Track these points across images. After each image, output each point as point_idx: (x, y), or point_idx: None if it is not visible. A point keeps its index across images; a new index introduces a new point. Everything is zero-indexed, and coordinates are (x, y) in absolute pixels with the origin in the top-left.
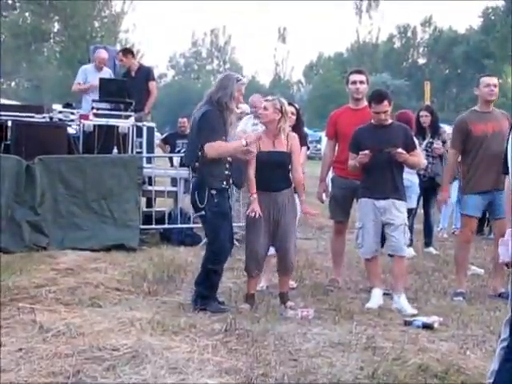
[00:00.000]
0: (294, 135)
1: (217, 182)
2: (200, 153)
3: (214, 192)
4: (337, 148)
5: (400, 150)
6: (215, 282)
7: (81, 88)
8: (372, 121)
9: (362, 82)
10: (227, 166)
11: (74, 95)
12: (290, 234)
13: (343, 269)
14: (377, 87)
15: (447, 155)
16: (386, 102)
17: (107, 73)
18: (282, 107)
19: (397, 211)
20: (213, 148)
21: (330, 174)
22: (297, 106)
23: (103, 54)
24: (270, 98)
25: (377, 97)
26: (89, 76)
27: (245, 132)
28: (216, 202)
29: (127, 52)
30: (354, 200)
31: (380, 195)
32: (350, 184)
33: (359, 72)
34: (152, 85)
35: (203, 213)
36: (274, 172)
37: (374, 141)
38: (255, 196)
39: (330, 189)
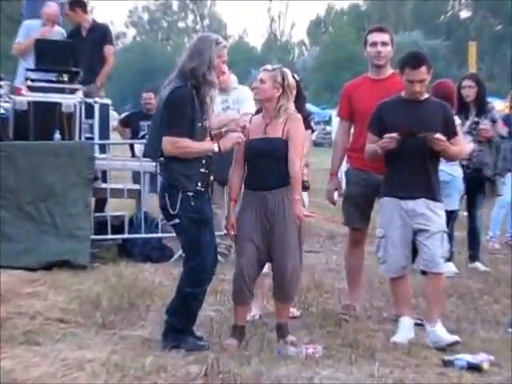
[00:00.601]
0: (297, 117)
1: (191, 183)
2: None
3: (190, 193)
4: (352, 131)
5: (439, 135)
6: (194, 311)
7: (22, 48)
8: (402, 93)
9: (384, 44)
10: (203, 161)
11: (4, 63)
12: (287, 248)
13: (361, 291)
14: (406, 49)
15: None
16: (423, 68)
17: (59, 33)
18: (284, 80)
19: (433, 214)
20: (173, 146)
21: (344, 166)
22: (296, 76)
23: (53, 7)
24: (268, 67)
25: (412, 60)
26: (33, 36)
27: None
28: (193, 206)
29: (75, 4)
30: (376, 200)
31: (408, 194)
32: (370, 179)
33: (381, 30)
34: (109, 49)
35: (177, 221)
36: (265, 165)
37: (403, 120)
38: (233, 204)
39: (343, 185)
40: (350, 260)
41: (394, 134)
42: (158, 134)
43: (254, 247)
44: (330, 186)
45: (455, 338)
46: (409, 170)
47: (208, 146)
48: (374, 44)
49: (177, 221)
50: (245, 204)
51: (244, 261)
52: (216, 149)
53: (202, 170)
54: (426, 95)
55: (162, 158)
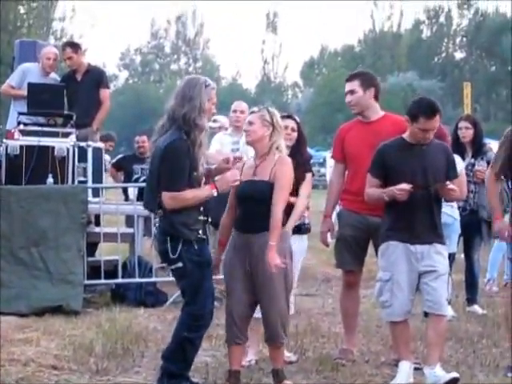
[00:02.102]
0: (286, 160)
1: (192, 232)
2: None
3: (192, 237)
4: (346, 173)
5: (452, 186)
6: (190, 357)
7: (12, 93)
8: (407, 137)
9: (351, 92)
10: (201, 208)
11: None
12: (272, 291)
13: (358, 335)
14: (400, 90)
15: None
16: (438, 117)
17: (53, 80)
18: (272, 118)
19: (439, 256)
20: (174, 200)
21: (337, 208)
22: (297, 118)
23: (52, 50)
24: (255, 109)
25: (427, 110)
26: (29, 79)
27: (220, 153)
28: (196, 250)
29: (78, 47)
30: (370, 243)
31: (417, 239)
32: (364, 221)
33: (348, 79)
34: (105, 93)
35: (180, 264)
36: (251, 208)
37: (409, 167)
38: (221, 249)
39: (336, 227)
40: (345, 303)
41: (407, 187)
42: (156, 186)
43: (241, 287)
44: (323, 228)
45: (454, 374)
46: (415, 216)
47: (207, 192)
48: (346, 94)
49: (180, 264)
50: (232, 245)
51: (233, 301)
52: (215, 193)
53: (201, 218)
54: None
55: (160, 211)
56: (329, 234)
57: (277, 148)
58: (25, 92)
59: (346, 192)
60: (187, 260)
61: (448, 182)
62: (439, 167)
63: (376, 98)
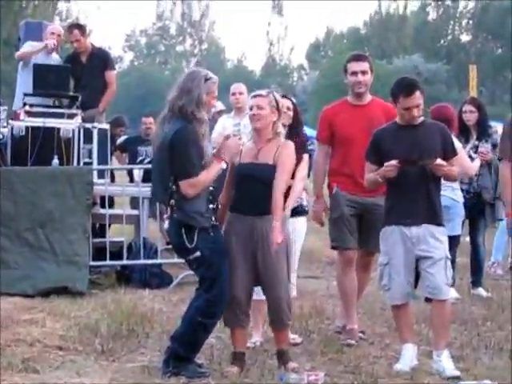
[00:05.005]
0: (288, 144)
1: (206, 219)
2: (175, 187)
3: (207, 225)
4: (331, 155)
5: (439, 161)
6: (200, 341)
7: (29, 51)
8: (397, 120)
9: (364, 72)
10: (210, 197)
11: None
12: (276, 275)
13: (363, 318)
14: (406, 74)
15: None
16: (417, 93)
17: (56, 61)
18: (278, 104)
19: (435, 241)
20: (194, 187)
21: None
22: (293, 99)
23: (57, 27)
24: (263, 92)
25: (406, 88)
26: (34, 60)
27: (222, 135)
28: (212, 237)
29: (84, 29)
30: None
31: (411, 220)
32: (358, 200)
33: (359, 59)
34: (111, 75)
35: (198, 254)
36: (254, 191)
37: (401, 147)
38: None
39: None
40: (344, 282)
41: (394, 162)
42: (167, 177)
43: (242, 269)
44: (317, 208)
45: (456, 372)
46: (411, 197)
47: (217, 167)
48: (354, 73)
49: (198, 254)
50: (230, 228)
51: (234, 284)
52: (224, 165)
53: (212, 206)
54: (422, 118)
55: (172, 201)
56: (323, 213)
57: (277, 132)
58: (42, 46)
59: (339, 174)
60: (205, 248)
61: (438, 159)
62: (433, 146)
63: None
